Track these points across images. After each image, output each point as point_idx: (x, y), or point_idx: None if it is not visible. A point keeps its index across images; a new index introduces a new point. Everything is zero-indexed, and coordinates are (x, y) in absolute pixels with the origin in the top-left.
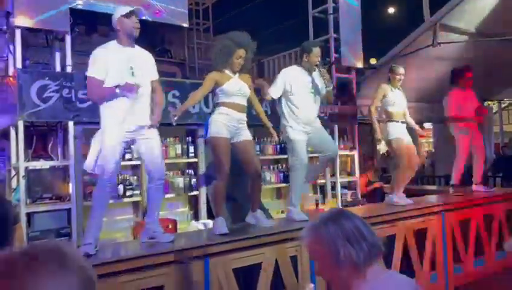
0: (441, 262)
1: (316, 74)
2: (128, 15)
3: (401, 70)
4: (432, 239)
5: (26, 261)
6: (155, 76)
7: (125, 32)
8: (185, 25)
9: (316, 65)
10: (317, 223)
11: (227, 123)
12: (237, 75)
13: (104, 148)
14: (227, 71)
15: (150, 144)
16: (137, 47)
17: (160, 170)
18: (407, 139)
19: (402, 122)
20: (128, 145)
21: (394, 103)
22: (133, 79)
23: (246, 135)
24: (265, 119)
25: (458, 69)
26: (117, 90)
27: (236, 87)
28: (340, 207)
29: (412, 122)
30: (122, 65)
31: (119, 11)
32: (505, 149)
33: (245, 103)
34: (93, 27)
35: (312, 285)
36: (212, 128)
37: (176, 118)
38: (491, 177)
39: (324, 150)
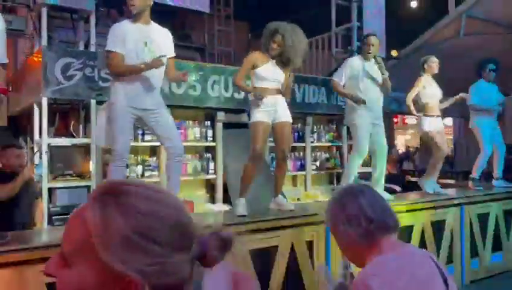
0: (458, 255)
1: (371, 62)
2: None
3: (436, 59)
4: (449, 232)
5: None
6: (171, 53)
7: (139, 9)
8: (206, 10)
9: (369, 53)
10: (328, 201)
11: (265, 108)
12: (274, 62)
13: (114, 124)
14: (267, 55)
15: (163, 119)
16: (153, 24)
17: (179, 144)
18: (441, 131)
19: (437, 116)
20: (139, 123)
21: (432, 95)
22: (149, 56)
23: (286, 115)
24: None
25: (483, 60)
26: (142, 66)
27: (269, 72)
28: (353, 184)
29: (445, 104)
30: (137, 42)
31: None
32: None
33: (279, 87)
34: (119, 8)
35: (324, 265)
36: (252, 115)
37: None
38: None
39: (374, 143)
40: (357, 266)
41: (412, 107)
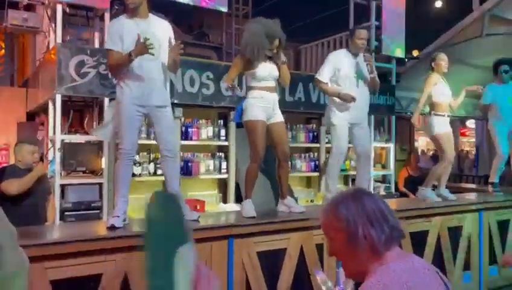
0: (476, 262)
1: (360, 58)
2: None
3: (445, 56)
4: (467, 238)
5: None
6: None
7: (131, 4)
8: (224, 9)
9: (357, 48)
10: (337, 199)
11: (263, 105)
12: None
13: (122, 122)
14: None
15: (162, 120)
16: (151, 17)
17: (171, 144)
18: (449, 133)
19: (448, 115)
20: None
21: (443, 93)
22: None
23: (279, 115)
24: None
25: (497, 61)
26: (132, 57)
27: (266, 72)
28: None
29: (458, 102)
30: (136, 38)
31: None
32: None
33: (275, 84)
34: None
35: (321, 273)
36: (248, 112)
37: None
38: None
39: (357, 149)
40: (350, 274)
41: (416, 116)
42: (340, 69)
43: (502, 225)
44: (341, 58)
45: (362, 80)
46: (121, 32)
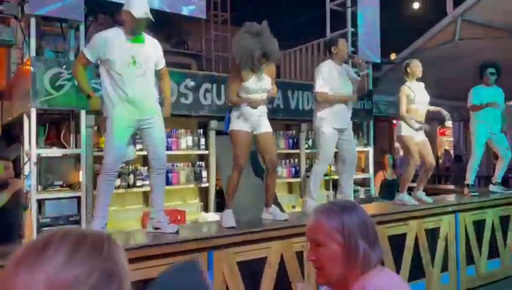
0: (453, 263)
1: (345, 66)
2: (137, 16)
3: (418, 62)
4: (444, 239)
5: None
6: (161, 64)
7: (129, 26)
8: (203, 16)
9: (341, 57)
10: (338, 207)
11: (248, 117)
12: (260, 70)
13: (108, 136)
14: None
15: (153, 133)
16: (144, 35)
17: (162, 158)
18: (419, 137)
19: (417, 121)
20: (134, 135)
21: (414, 102)
22: (136, 69)
23: (266, 126)
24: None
25: (483, 64)
26: (88, 97)
27: (257, 84)
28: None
29: (437, 108)
30: (124, 54)
31: (129, 5)
32: None
33: (265, 96)
34: (110, 13)
35: (301, 284)
36: (232, 122)
37: None
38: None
39: (342, 154)
40: (326, 281)
41: (407, 118)
42: (332, 78)
43: (478, 225)
44: (332, 67)
45: (349, 86)
46: (108, 45)
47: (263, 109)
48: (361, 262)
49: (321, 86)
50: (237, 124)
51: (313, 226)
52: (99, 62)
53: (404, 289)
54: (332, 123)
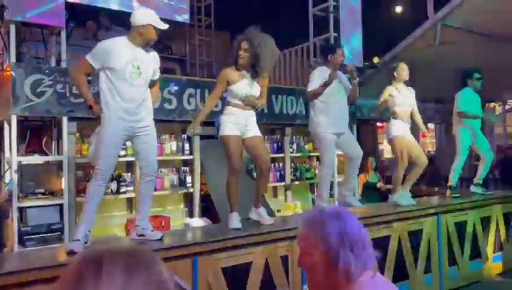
0: (435, 264)
1: (340, 73)
2: (158, 29)
3: (405, 65)
4: (427, 241)
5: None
6: (157, 75)
7: (145, 39)
8: (186, 21)
9: (339, 64)
10: (322, 217)
11: (236, 122)
12: (249, 76)
13: (101, 143)
14: (239, 69)
15: (145, 140)
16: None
17: (153, 166)
18: (408, 137)
19: (405, 120)
20: (125, 142)
21: (401, 104)
22: (140, 79)
23: (255, 130)
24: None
25: (469, 69)
26: (90, 108)
27: (244, 90)
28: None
29: (420, 121)
30: (128, 64)
31: (150, 19)
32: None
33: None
34: (93, 21)
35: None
36: (222, 128)
37: (193, 131)
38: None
39: (349, 152)
40: (315, 289)
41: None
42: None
43: (460, 226)
44: (326, 72)
45: (343, 91)
46: (113, 49)
47: (251, 113)
48: (343, 270)
49: (310, 86)
50: (228, 129)
51: (299, 234)
52: (100, 69)
53: None
54: (330, 128)
